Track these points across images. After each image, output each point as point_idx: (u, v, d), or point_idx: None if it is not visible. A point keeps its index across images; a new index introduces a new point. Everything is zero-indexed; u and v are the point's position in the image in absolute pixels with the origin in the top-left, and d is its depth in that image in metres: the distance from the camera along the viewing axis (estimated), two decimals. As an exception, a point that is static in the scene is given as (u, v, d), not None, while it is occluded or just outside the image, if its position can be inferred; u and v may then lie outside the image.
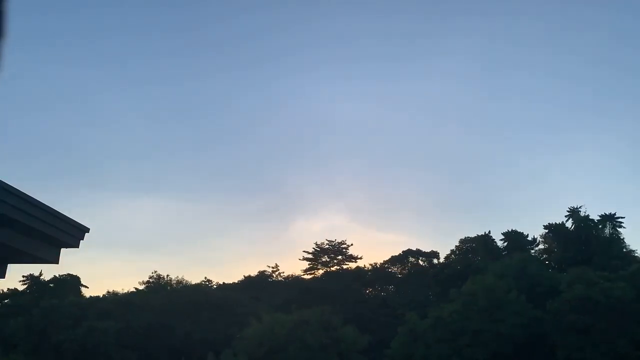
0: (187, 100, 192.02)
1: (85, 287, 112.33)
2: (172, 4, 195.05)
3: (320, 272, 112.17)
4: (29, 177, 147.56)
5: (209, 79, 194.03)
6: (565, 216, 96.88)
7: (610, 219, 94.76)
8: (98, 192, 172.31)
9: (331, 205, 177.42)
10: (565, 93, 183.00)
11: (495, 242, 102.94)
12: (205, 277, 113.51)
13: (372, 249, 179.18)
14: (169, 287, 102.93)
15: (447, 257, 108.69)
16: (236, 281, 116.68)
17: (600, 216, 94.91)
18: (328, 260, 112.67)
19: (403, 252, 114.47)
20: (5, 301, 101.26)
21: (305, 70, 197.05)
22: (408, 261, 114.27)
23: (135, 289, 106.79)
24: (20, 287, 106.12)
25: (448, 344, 66.76)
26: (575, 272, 68.55)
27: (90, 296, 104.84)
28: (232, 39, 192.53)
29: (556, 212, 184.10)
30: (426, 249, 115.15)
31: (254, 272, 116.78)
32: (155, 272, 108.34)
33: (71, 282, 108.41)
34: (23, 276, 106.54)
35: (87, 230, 7.34)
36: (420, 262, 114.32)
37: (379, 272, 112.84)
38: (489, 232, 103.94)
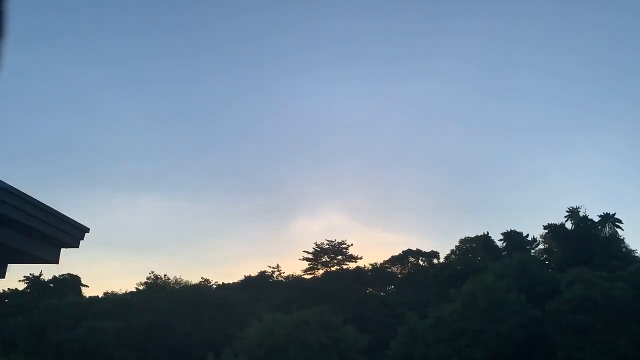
0: (187, 100, 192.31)
1: (86, 286, 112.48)
2: (172, 4, 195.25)
3: (320, 272, 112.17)
4: (29, 177, 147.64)
5: (209, 79, 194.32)
6: (565, 216, 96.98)
7: (610, 219, 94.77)
8: (98, 192, 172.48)
9: (331, 205, 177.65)
10: (565, 93, 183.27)
11: (495, 242, 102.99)
12: (203, 277, 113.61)
13: (372, 248, 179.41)
14: (167, 288, 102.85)
15: (447, 257, 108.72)
16: (236, 281, 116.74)
17: (600, 216, 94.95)
18: (328, 260, 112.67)
19: (403, 252, 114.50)
20: (5, 301, 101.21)
21: (305, 70, 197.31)
22: (408, 261, 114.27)
23: (136, 288, 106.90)
24: (20, 287, 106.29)
25: (448, 344, 66.74)
26: (575, 272, 68.52)
27: (90, 296, 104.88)
28: (232, 39, 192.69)
29: (556, 212, 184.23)
30: (426, 249, 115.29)
31: (254, 272, 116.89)
32: (153, 272, 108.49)
33: (71, 282, 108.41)
34: (23, 276, 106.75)
35: (87, 230, 7.35)
36: (420, 262, 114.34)
37: (379, 272, 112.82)
38: (489, 232, 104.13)
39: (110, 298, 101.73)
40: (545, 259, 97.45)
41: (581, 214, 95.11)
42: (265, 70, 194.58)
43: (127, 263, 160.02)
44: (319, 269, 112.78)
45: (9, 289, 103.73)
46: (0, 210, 6.04)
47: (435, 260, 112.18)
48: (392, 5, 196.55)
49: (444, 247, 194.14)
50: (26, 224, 6.42)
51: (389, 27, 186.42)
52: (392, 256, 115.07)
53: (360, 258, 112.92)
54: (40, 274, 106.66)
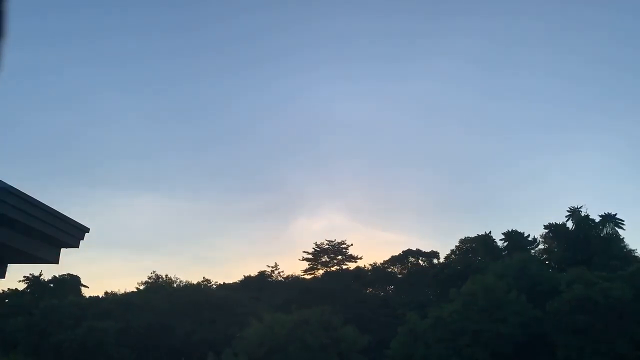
0: (187, 100, 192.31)
1: (85, 287, 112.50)
2: (172, 4, 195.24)
3: (320, 272, 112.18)
4: (29, 177, 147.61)
5: (209, 79, 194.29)
6: (566, 216, 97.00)
7: (611, 219, 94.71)
8: (98, 192, 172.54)
9: (331, 205, 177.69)
10: (565, 93, 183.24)
11: (496, 242, 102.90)
12: (204, 277, 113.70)
13: (372, 248, 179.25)
14: (168, 288, 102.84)
15: (447, 257, 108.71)
16: (236, 281, 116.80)
17: (600, 216, 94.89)
18: (328, 260, 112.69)
19: (403, 252, 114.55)
20: (5, 301, 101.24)
21: (305, 70, 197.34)
22: (408, 261, 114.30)
23: (136, 288, 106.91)
24: (20, 287, 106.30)
25: (448, 344, 66.71)
26: (575, 272, 68.54)
27: (90, 296, 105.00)
28: (232, 39, 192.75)
29: (556, 212, 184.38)
30: (426, 249, 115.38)
31: (254, 272, 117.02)
32: (154, 272, 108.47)
33: (71, 282, 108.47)
34: (23, 276, 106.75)
35: (87, 230, 7.35)
36: (420, 262, 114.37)
37: (379, 272, 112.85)
38: (489, 232, 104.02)
39: (111, 298, 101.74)
40: (546, 259, 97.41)
41: (582, 214, 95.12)
42: (265, 71, 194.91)
43: (127, 263, 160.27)
44: (318, 269, 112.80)
45: (9, 289, 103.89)
46: (0, 210, 6.03)
47: (435, 260, 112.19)
48: (392, 5, 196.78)
49: (444, 247, 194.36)
50: (26, 224, 6.42)
51: (389, 27, 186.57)
52: (392, 256, 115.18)
53: (360, 258, 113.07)
54: (40, 274, 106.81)
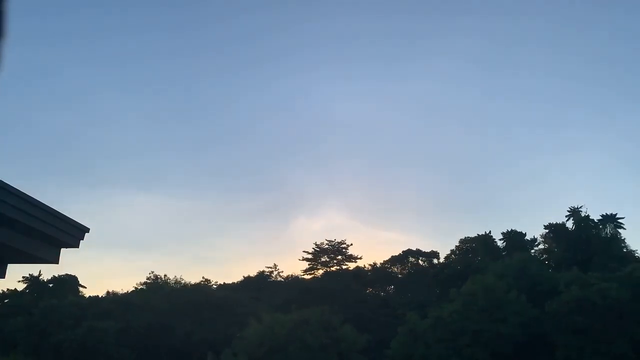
0: (187, 100, 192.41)
1: (83, 287, 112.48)
2: (172, 4, 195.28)
3: (320, 272, 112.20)
4: (29, 177, 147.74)
5: (209, 79, 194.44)
6: (566, 216, 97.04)
7: (611, 219, 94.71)
8: (98, 192, 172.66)
9: (331, 205, 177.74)
10: (565, 92, 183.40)
11: (495, 242, 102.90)
12: (204, 277, 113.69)
13: (372, 248, 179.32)
14: (167, 288, 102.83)
15: (447, 257, 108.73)
16: (236, 281, 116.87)
17: (600, 216, 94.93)
18: (328, 260, 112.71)
19: (403, 252, 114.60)
20: (5, 301, 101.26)
21: (305, 70, 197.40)
22: (408, 261, 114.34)
23: (135, 288, 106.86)
24: (20, 287, 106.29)
25: (448, 344, 66.70)
26: (573, 273, 68.68)
27: (90, 296, 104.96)
28: (232, 39, 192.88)
29: (556, 212, 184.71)
30: (426, 249, 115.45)
31: (253, 272, 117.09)
32: (152, 272, 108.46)
33: (70, 282, 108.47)
34: (23, 276, 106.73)
35: (87, 230, 7.34)
36: (420, 262, 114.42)
37: (379, 272, 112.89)
38: (489, 232, 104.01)
39: (110, 298, 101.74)
40: (546, 259, 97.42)
41: (582, 214, 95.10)
42: (265, 71, 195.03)
43: (126, 263, 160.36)
44: (318, 269, 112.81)
45: (8, 289, 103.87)
46: (0, 210, 6.03)
47: (435, 260, 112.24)
48: (392, 5, 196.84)
49: (444, 247, 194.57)
50: (26, 224, 6.41)
51: (389, 27, 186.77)
52: (392, 256, 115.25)
53: (360, 258, 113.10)
54: (40, 274, 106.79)
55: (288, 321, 69.71)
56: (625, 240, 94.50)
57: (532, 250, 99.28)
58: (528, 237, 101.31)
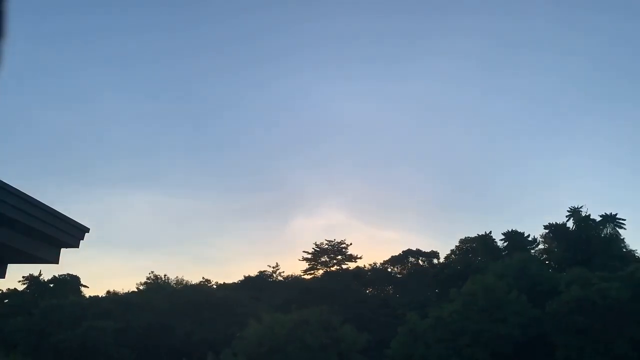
0: (186, 100, 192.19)
1: (85, 287, 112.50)
2: (172, 4, 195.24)
3: (320, 272, 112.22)
4: (29, 177, 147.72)
5: (208, 79, 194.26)
6: (566, 216, 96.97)
7: (611, 219, 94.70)
8: (98, 192, 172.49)
9: (331, 204, 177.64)
10: (565, 93, 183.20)
11: (496, 242, 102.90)
12: (204, 277, 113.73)
13: (372, 248, 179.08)
14: (167, 288, 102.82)
15: (447, 257, 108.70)
16: (236, 281, 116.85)
17: (600, 216, 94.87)
18: (328, 260, 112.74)
19: (403, 252, 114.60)
20: (5, 301, 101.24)
21: (305, 70, 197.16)
22: (408, 261, 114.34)
23: (137, 288, 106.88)
24: (20, 287, 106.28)
25: (448, 344, 66.70)
26: (573, 272, 68.61)
27: (90, 296, 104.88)
28: (232, 39, 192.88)
29: (556, 212, 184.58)
30: (426, 249, 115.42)
31: (253, 272, 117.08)
32: (152, 272, 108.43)
33: (71, 282, 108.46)
34: (23, 276, 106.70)
35: (87, 230, 7.34)
36: (420, 262, 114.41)
37: (379, 272, 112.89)
38: (489, 232, 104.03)
39: (111, 298, 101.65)
40: (546, 259, 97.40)
41: (582, 214, 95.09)
42: (265, 71, 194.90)
43: (127, 263, 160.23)
44: (318, 269, 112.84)
45: (8, 289, 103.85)
46: (0, 210, 6.03)
47: (435, 260, 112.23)
48: (392, 5, 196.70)
49: (444, 247, 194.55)
50: (26, 224, 6.41)
51: (389, 27, 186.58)
52: (392, 256, 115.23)
53: (360, 258, 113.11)
54: (40, 274, 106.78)
55: (288, 321, 69.69)
56: (625, 240, 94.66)
57: (532, 250, 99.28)
58: (528, 237, 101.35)
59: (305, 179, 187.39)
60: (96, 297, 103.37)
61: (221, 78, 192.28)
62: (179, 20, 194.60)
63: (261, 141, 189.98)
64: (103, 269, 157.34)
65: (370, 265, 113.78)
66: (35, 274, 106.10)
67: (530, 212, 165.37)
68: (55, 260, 7.35)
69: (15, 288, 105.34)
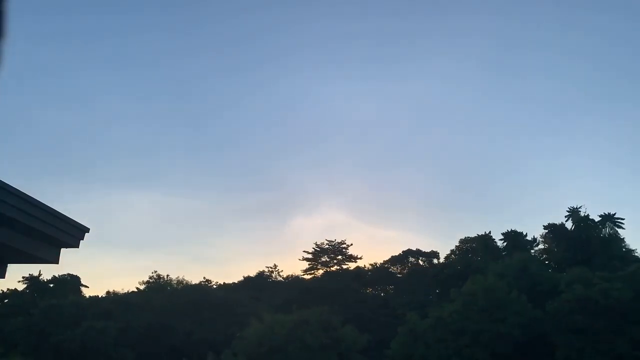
0: (186, 100, 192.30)
1: (85, 287, 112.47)
2: (172, 4, 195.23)
3: (320, 272, 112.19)
4: (29, 177, 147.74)
5: (208, 78, 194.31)
6: (565, 216, 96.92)
7: (611, 219, 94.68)
8: (98, 191, 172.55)
9: (331, 204, 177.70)
10: (565, 93, 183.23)
11: (495, 242, 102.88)
12: (205, 277, 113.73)
13: (372, 248, 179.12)
14: (169, 287, 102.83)
15: (447, 257, 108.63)
16: (236, 281, 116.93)
17: (600, 216, 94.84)
18: (328, 260, 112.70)
19: (403, 252, 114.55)
20: (5, 301, 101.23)
21: (305, 71, 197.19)
22: (408, 261, 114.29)
23: (137, 288, 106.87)
24: (20, 287, 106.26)
25: (448, 344, 66.71)
26: (574, 272, 68.55)
27: (90, 296, 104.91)
28: (232, 39, 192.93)
29: (556, 212, 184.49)
30: (426, 249, 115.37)
31: (253, 272, 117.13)
32: (155, 272, 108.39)
33: (71, 282, 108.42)
34: (23, 276, 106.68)
35: (87, 230, 7.34)
36: (420, 262, 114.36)
37: (379, 272, 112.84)
38: (489, 232, 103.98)
39: (111, 298, 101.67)
40: (546, 259, 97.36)
41: (582, 214, 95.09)
42: (265, 71, 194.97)
43: (127, 263, 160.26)
44: (318, 269, 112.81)
45: (8, 289, 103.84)
46: (0, 210, 6.03)
47: (435, 260, 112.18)
48: (392, 5, 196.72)
49: (444, 247, 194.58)
50: (26, 224, 6.41)
51: (389, 27, 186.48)
52: (392, 256, 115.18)
53: (360, 258, 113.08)
54: (40, 274, 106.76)
55: (288, 321, 69.70)
56: (625, 240, 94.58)
57: (532, 250, 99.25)
58: (528, 237, 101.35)
59: (305, 179, 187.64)
60: (96, 297, 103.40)
61: (221, 78, 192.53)
62: (179, 21, 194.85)
63: (261, 141, 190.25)
64: (103, 269, 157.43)
65: (370, 265, 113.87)
66: (35, 274, 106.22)
67: (530, 212, 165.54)
68: (55, 260, 7.35)
69: (15, 288, 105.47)
